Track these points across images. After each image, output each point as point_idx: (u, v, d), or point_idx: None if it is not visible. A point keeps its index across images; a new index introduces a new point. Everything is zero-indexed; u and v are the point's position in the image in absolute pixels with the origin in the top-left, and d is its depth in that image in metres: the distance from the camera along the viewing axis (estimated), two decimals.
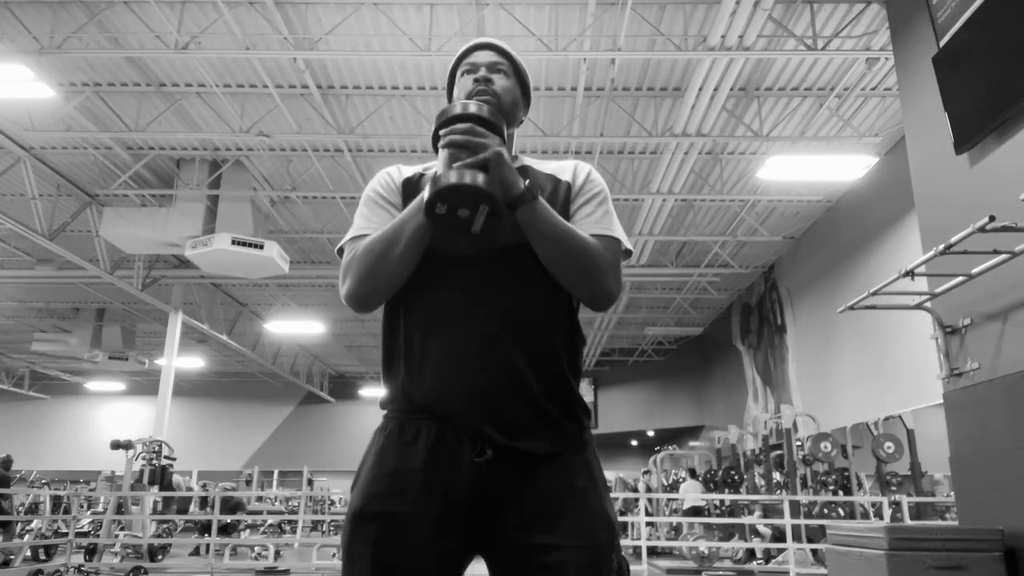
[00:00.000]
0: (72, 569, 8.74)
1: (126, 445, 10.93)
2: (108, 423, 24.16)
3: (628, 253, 1.35)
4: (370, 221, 1.34)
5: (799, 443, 10.50)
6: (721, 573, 9.07)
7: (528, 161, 1.45)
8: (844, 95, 8.51)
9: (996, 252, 3.66)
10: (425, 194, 1.16)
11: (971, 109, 4.05)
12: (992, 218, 3.37)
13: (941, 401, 4.37)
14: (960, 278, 3.99)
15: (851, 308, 4.76)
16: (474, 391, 1.20)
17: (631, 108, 8.85)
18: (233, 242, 9.60)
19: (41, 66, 7.24)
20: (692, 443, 19.78)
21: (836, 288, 11.19)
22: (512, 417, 1.21)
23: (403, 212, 1.26)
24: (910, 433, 9.07)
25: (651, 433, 22.57)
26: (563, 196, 1.37)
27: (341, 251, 1.35)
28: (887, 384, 9.75)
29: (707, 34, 7.02)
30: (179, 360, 16.39)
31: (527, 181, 1.22)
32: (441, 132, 1.22)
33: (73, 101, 8.44)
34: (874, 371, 10.15)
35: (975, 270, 3.85)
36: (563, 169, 1.42)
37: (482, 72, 1.41)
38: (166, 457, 11.16)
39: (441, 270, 1.26)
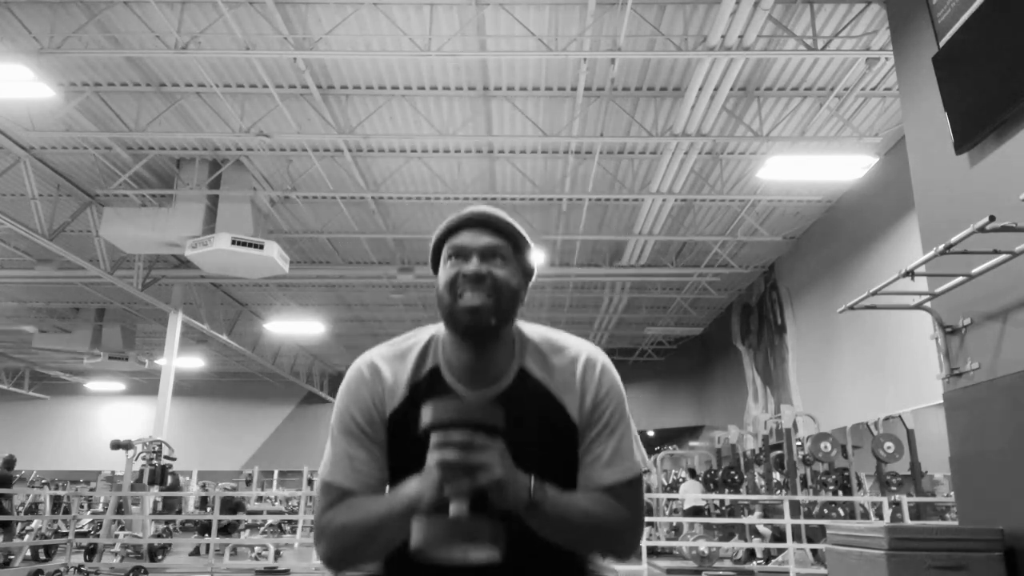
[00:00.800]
0: (72, 569, 8.75)
1: (126, 445, 10.93)
2: (108, 423, 24.16)
3: (647, 472, 1.24)
4: (351, 466, 1.19)
5: (799, 443, 10.50)
6: (721, 573, 9.08)
7: (529, 361, 1.24)
8: (844, 95, 8.51)
9: (996, 252, 3.66)
10: (413, 541, 1.00)
11: (971, 109, 4.05)
12: (992, 218, 3.37)
13: (941, 401, 4.37)
14: (960, 278, 3.99)
15: (851, 308, 4.76)
16: None
17: (631, 108, 8.84)
18: (233, 242, 9.59)
19: (41, 66, 7.24)
20: (692, 443, 19.80)
21: (836, 288, 11.19)
22: None
23: (384, 507, 1.11)
24: (910, 433, 9.07)
25: (651, 433, 22.56)
26: (566, 431, 1.22)
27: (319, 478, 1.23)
28: (887, 384, 9.75)
29: (707, 34, 7.02)
30: (179, 360, 16.38)
31: (531, 484, 1.07)
32: (432, 439, 1.04)
33: (73, 101, 8.44)
34: (874, 371, 10.15)
35: (975, 270, 3.85)
36: (569, 383, 1.22)
37: (473, 264, 1.17)
38: (166, 457, 11.16)
39: None
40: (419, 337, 1.29)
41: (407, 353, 1.26)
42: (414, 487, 1.07)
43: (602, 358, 1.26)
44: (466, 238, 1.21)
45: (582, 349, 1.26)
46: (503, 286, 1.18)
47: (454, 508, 1.03)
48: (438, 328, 1.28)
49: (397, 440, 1.22)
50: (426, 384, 1.23)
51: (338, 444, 1.22)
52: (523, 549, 1.13)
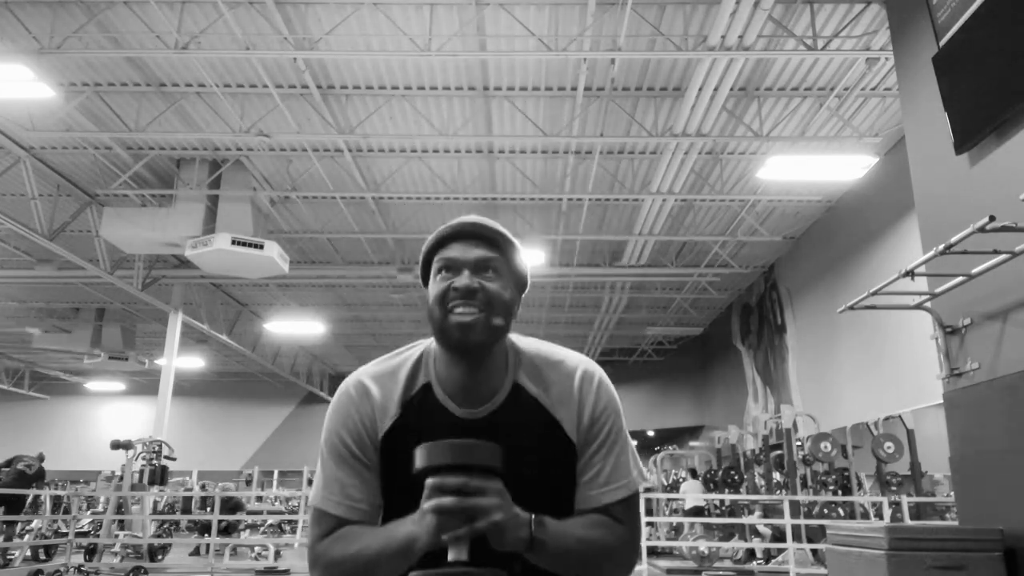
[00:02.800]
0: (72, 569, 8.75)
1: (126, 445, 10.93)
2: (108, 423, 24.17)
3: (644, 484, 1.23)
4: (343, 492, 1.17)
5: (799, 443, 10.50)
6: (721, 573, 9.08)
7: (523, 376, 1.22)
8: (844, 95, 8.51)
9: (996, 252, 3.66)
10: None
11: (971, 109, 4.05)
12: (992, 218, 3.37)
13: (941, 401, 4.37)
14: (960, 278, 3.98)
15: (851, 308, 4.76)
16: None
17: (631, 108, 8.84)
18: (233, 242, 9.60)
19: (41, 66, 7.24)
20: (692, 443, 19.80)
21: (836, 288, 11.19)
22: None
23: (380, 546, 1.09)
24: (910, 433, 9.07)
25: (651, 433, 22.57)
26: (563, 449, 1.20)
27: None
28: (887, 384, 9.75)
29: (707, 34, 7.02)
30: (179, 360, 16.39)
31: (531, 523, 1.05)
32: (427, 482, 1.00)
33: (73, 101, 8.44)
34: (874, 371, 10.15)
35: (975, 270, 3.85)
36: (564, 399, 1.20)
37: (464, 278, 1.13)
38: (166, 457, 11.16)
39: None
40: (410, 353, 1.26)
41: (397, 370, 1.23)
42: (409, 529, 1.05)
43: (599, 372, 1.24)
44: (456, 250, 1.16)
45: (579, 363, 1.24)
46: (495, 300, 1.14)
47: (452, 554, 1.00)
48: (429, 342, 1.25)
49: (390, 462, 1.18)
50: (418, 401, 1.20)
51: (328, 469, 1.19)
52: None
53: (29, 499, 9.83)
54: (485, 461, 1.00)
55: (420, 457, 1.00)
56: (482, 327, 1.12)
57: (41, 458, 10.78)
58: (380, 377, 1.23)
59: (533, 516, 1.07)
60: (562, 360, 1.24)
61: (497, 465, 1.01)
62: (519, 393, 1.20)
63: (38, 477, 10.51)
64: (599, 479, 1.19)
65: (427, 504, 1.00)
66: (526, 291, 1.26)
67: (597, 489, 1.19)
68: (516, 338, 1.26)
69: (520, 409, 1.19)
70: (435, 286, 1.16)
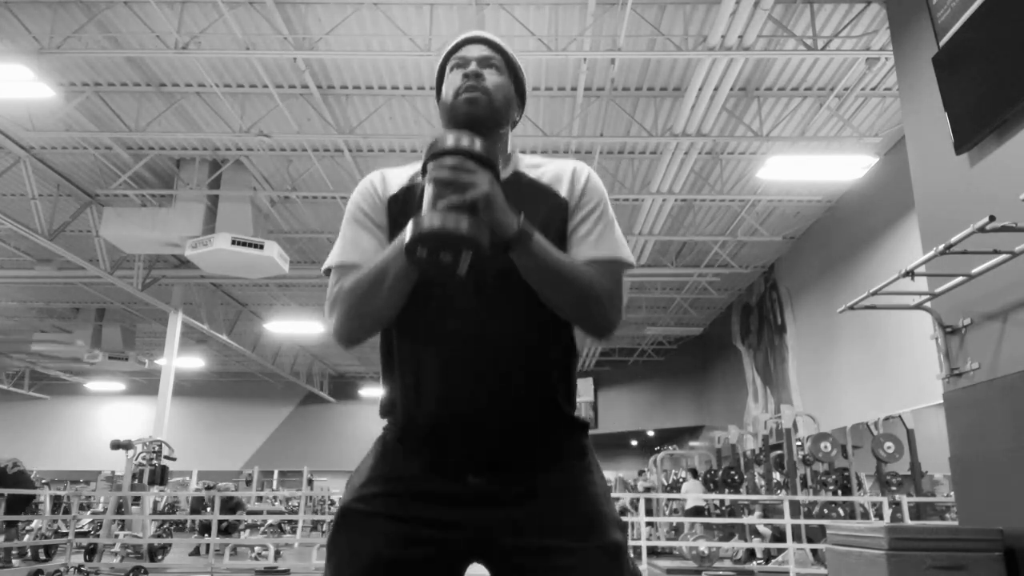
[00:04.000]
0: (72, 569, 8.74)
1: (126, 445, 10.93)
2: (108, 423, 24.17)
3: (630, 266, 1.30)
4: (356, 246, 1.28)
5: (799, 443, 10.50)
6: (721, 573, 9.07)
7: (523, 166, 1.35)
8: (844, 95, 8.51)
9: (996, 252, 3.66)
10: (406, 236, 1.07)
11: (971, 109, 4.05)
12: (992, 218, 3.37)
13: (941, 401, 4.37)
14: (960, 278, 3.98)
15: (851, 308, 4.76)
16: (470, 418, 1.19)
17: (631, 108, 8.84)
18: (233, 242, 9.59)
19: (41, 66, 7.24)
20: (692, 443, 19.79)
21: (836, 288, 11.20)
22: (508, 440, 1.21)
23: (387, 250, 1.18)
24: (910, 433, 9.07)
25: (651, 433, 22.57)
26: (559, 213, 1.29)
27: (328, 270, 1.30)
28: (887, 384, 9.75)
29: (707, 34, 7.02)
30: (179, 360, 16.39)
31: (520, 217, 1.13)
32: (428, 166, 1.11)
33: (73, 101, 8.44)
34: (874, 371, 10.15)
35: (975, 270, 3.85)
36: (560, 177, 1.33)
37: (472, 67, 1.31)
38: (166, 457, 11.16)
39: (432, 295, 1.21)
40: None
41: (411, 168, 1.38)
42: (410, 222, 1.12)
43: (589, 168, 1.37)
44: (465, 51, 1.35)
45: (571, 161, 1.37)
46: (497, 87, 1.31)
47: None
48: None
49: (397, 222, 1.27)
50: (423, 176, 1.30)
51: (346, 232, 1.31)
52: (506, 305, 1.21)
53: None
54: (481, 151, 1.11)
55: (427, 149, 1.13)
56: (485, 103, 1.28)
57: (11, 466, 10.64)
58: (395, 170, 1.39)
59: (523, 214, 1.14)
60: (555, 160, 1.39)
61: (493, 159, 1.12)
62: (519, 177, 1.33)
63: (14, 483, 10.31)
64: (590, 238, 1.28)
65: (426, 177, 1.11)
66: (525, 101, 1.43)
67: (586, 246, 1.27)
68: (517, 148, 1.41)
69: (520, 190, 1.29)
70: (447, 81, 1.35)
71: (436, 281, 1.19)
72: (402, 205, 1.30)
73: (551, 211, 1.29)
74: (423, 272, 1.13)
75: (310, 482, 21.20)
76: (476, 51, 1.35)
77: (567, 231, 1.29)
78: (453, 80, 1.32)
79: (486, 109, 1.28)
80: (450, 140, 1.11)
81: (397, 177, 1.36)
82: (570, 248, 1.27)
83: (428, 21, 7.24)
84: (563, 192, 1.31)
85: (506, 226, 1.10)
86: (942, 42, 4.31)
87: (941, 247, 3.76)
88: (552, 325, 1.25)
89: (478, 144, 1.11)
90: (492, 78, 1.31)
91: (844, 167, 8.96)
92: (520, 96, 1.41)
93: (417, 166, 1.33)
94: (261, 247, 9.82)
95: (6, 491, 9.25)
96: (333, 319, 1.23)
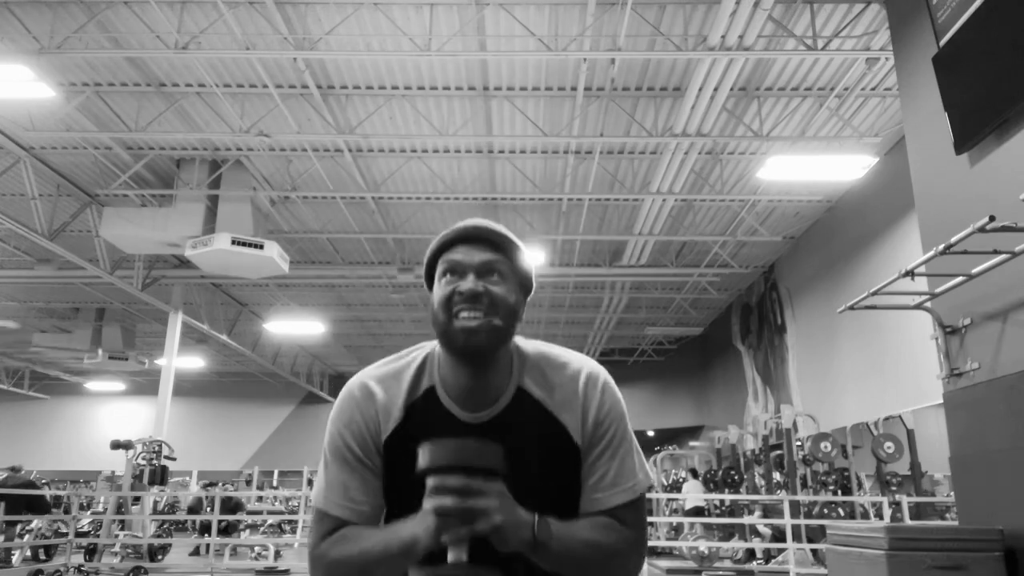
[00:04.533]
0: (72, 569, 8.74)
1: (126, 445, 10.93)
2: (108, 423, 24.17)
3: (649, 489, 1.24)
4: (345, 495, 1.17)
5: (799, 443, 10.49)
6: (721, 573, 9.07)
7: (528, 380, 1.21)
8: (844, 95, 8.51)
9: (996, 252, 3.66)
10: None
11: (971, 109, 4.05)
12: (992, 218, 3.37)
13: (941, 401, 4.37)
14: (960, 278, 3.98)
15: (851, 308, 4.76)
16: None
17: (631, 108, 8.84)
18: (233, 242, 9.59)
19: (41, 66, 7.24)
20: (692, 443, 19.79)
21: (836, 288, 11.19)
22: None
23: (380, 550, 1.09)
24: (910, 433, 9.07)
25: (651, 433, 22.56)
26: (568, 452, 1.19)
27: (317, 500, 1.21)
28: (887, 384, 9.75)
29: (707, 34, 7.02)
30: (179, 360, 16.39)
31: (535, 523, 1.05)
32: (428, 483, 1.00)
33: (73, 101, 8.44)
34: (874, 371, 10.15)
35: (975, 270, 3.85)
36: (569, 402, 1.19)
37: (469, 283, 1.12)
38: (166, 457, 11.17)
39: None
40: (414, 355, 1.25)
41: (402, 372, 1.23)
42: (410, 530, 1.05)
43: (603, 374, 1.23)
44: (461, 254, 1.16)
45: (583, 365, 1.23)
46: (500, 304, 1.13)
47: (452, 555, 1.00)
48: (433, 345, 1.24)
49: (393, 464, 1.18)
50: (421, 405, 1.20)
51: (331, 471, 1.19)
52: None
53: None
54: (487, 462, 1.00)
55: (423, 457, 1.00)
56: (487, 332, 1.11)
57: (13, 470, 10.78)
58: (384, 380, 1.22)
59: (536, 517, 1.06)
60: (566, 363, 1.23)
61: (499, 466, 1.01)
62: (523, 397, 1.20)
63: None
64: (604, 482, 1.18)
65: (428, 505, 1.00)
66: (532, 294, 1.25)
67: (602, 492, 1.18)
68: (520, 340, 1.25)
69: (524, 413, 1.19)
70: (440, 290, 1.15)
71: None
72: (400, 453, 1.16)
73: (557, 447, 1.18)
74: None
75: (310, 482, 21.15)
76: (475, 255, 1.15)
77: (580, 474, 1.20)
78: (445, 291, 1.14)
79: (488, 338, 1.12)
80: (450, 453, 1.00)
81: (387, 392, 1.21)
82: (584, 493, 1.19)
83: (428, 21, 7.24)
84: (574, 429, 1.19)
85: (521, 544, 1.04)
86: (942, 42, 4.31)
87: (941, 247, 3.76)
88: None
89: (485, 455, 1.01)
90: (495, 288, 1.14)
91: (844, 167, 8.96)
92: (527, 292, 1.24)
93: (408, 365, 1.23)
94: (261, 247, 9.82)
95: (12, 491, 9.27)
96: None
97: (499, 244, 1.18)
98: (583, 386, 1.20)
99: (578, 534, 1.12)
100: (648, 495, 11.80)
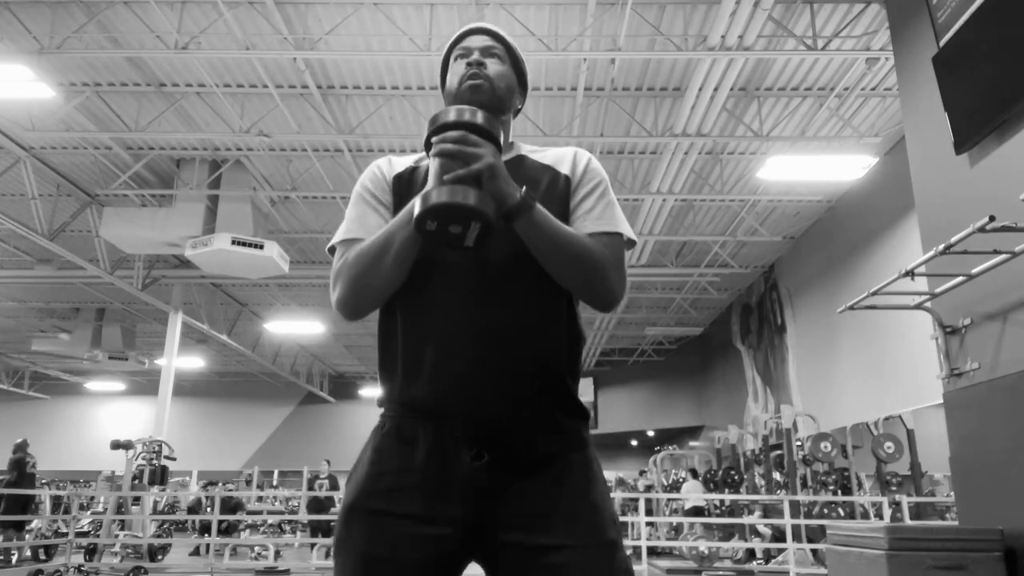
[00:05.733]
0: (72, 569, 8.74)
1: (126, 445, 10.92)
2: (108, 423, 24.16)
3: (632, 244, 1.32)
4: (361, 223, 1.31)
5: (799, 443, 10.50)
6: (721, 573, 9.07)
7: (524, 150, 1.40)
8: (844, 95, 8.51)
9: (996, 252, 3.66)
10: (415, 208, 1.11)
11: (971, 109, 4.04)
12: (992, 218, 3.37)
13: (941, 401, 4.37)
14: (960, 278, 3.98)
15: (851, 308, 4.76)
16: (471, 394, 1.18)
17: (631, 108, 8.84)
18: (233, 242, 9.59)
19: (41, 66, 7.24)
20: (692, 443, 19.79)
21: (836, 288, 11.19)
22: (510, 420, 1.19)
23: (393, 221, 1.21)
24: (910, 433, 9.07)
25: (651, 433, 22.57)
26: (561, 189, 1.32)
27: (332, 249, 1.33)
28: (887, 384, 9.75)
29: (707, 34, 7.02)
30: (179, 360, 16.39)
31: (523, 189, 1.15)
32: (432, 140, 1.15)
33: (73, 101, 8.44)
34: (874, 371, 10.15)
35: (975, 270, 3.85)
36: (561, 159, 1.37)
37: (475, 56, 1.35)
38: (166, 457, 11.16)
39: (437, 271, 1.22)
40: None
41: (417, 155, 1.43)
42: (418, 197, 1.14)
43: (590, 154, 1.40)
44: (468, 41, 1.39)
45: (572, 147, 1.41)
46: (499, 75, 1.36)
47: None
48: None
49: (403, 199, 1.30)
50: (427, 161, 1.31)
51: (351, 213, 1.35)
52: (510, 283, 1.22)
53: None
54: (484, 123, 1.14)
55: (430, 123, 1.16)
56: (488, 90, 1.33)
57: (18, 448, 10.60)
58: (402, 157, 1.43)
59: (525, 186, 1.17)
60: (558, 147, 1.43)
61: (495, 131, 1.15)
62: (521, 158, 1.38)
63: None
64: (592, 213, 1.30)
65: (432, 151, 1.14)
66: (527, 90, 1.46)
67: (590, 221, 1.29)
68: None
69: (524, 167, 1.35)
70: (452, 71, 1.38)
71: (445, 251, 1.19)
72: (407, 184, 1.34)
73: (553, 185, 1.33)
74: (431, 243, 1.15)
75: (310, 483, 21.12)
76: (479, 41, 1.39)
77: (569, 207, 1.32)
78: (457, 69, 1.36)
79: (489, 95, 1.32)
80: (452, 114, 1.15)
81: (403, 160, 1.41)
82: (572, 223, 1.29)
83: (428, 21, 7.25)
84: (565, 170, 1.35)
85: (508, 196, 1.13)
86: (942, 42, 4.31)
87: (941, 247, 3.76)
88: (556, 305, 1.26)
89: (480, 117, 1.15)
90: (494, 67, 1.36)
91: (844, 167, 8.96)
92: (522, 86, 1.45)
93: (423, 154, 1.36)
94: (261, 247, 9.82)
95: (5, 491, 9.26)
96: (337, 291, 1.26)
97: (498, 36, 1.40)
98: (573, 153, 1.39)
99: (563, 225, 1.22)
100: (648, 495, 11.86)
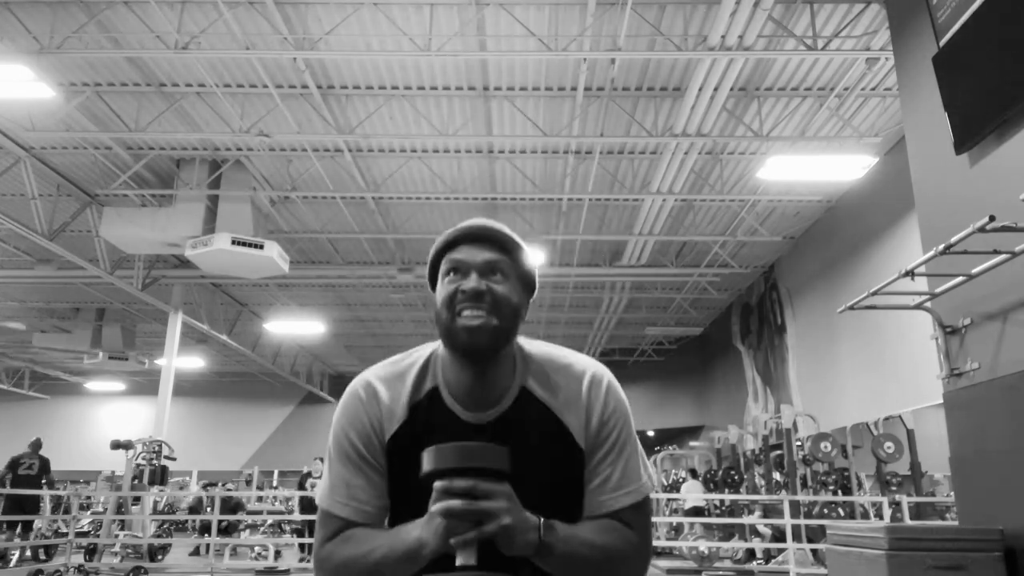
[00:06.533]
0: (72, 569, 8.74)
1: (126, 445, 10.93)
2: (108, 423, 24.16)
3: (652, 491, 1.22)
4: (350, 494, 1.17)
5: (799, 443, 10.49)
6: (721, 573, 9.07)
7: (531, 379, 1.21)
8: (844, 95, 8.51)
9: (996, 252, 3.66)
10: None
11: (971, 109, 4.04)
12: (992, 218, 3.37)
13: (941, 401, 4.37)
14: (960, 278, 3.98)
15: (851, 308, 4.76)
16: None
17: (631, 108, 8.84)
18: (233, 242, 9.59)
19: (41, 66, 7.24)
20: (692, 443, 19.79)
21: (836, 288, 11.19)
22: None
23: (385, 552, 1.09)
24: (910, 433, 9.07)
25: (651, 433, 22.56)
26: (574, 460, 1.19)
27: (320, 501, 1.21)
28: (887, 384, 9.75)
29: (707, 34, 7.02)
30: (179, 360, 16.38)
31: (540, 528, 1.05)
32: (436, 485, 1.00)
33: (73, 101, 8.44)
34: (874, 371, 10.15)
35: (975, 270, 3.85)
36: (573, 403, 1.19)
37: (472, 282, 1.12)
38: (166, 457, 11.16)
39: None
40: (418, 355, 1.25)
41: (406, 373, 1.22)
42: (417, 533, 1.05)
43: (607, 376, 1.23)
44: (464, 253, 1.16)
45: (587, 366, 1.23)
46: (503, 303, 1.13)
47: (460, 558, 0.99)
48: (437, 345, 1.24)
49: (397, 464, 1.19)
50: (425, 405, 1.20)
51: (335, 471, 1.19)
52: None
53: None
54: (493, 464, 1.00)
55: (428, 460, 1.00)
56: (490, 331, 1.11)
57: (36, 446, 10.68)
58: (388, 379, 1.22)
59: (542, 520, 1.06)
60: (570, 364, 1.23)
61: (505, 468, 1.01)
62: (527, 397, 1.19)
63: (44, 471, 10.48)
64: (608, 484, 1.18)
65: (435, 507, 1.00)
66: (535, 294, 1.25)
67: (607, 495, 1.18)
68: (524, 341, 1.25)
69: (528, 413, 1.19)
70: (443, 289, 1.15)
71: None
72: (404, 453, 1.17)
73: (563, 454, 1.18)
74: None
75: (301, 484, 21.10)
76: (478, 255, 1.15)
77: (583, 477, 1.20)
78: (449, 290, 1.14)
79: (490, 337, 1.12)
80: (455, 458, 1.00)
81: (391, 392, 1.21)
82: (588, 495, 1.19)
83: (428, 21, 7.24)
84: (577, 431, 1.18)
85: (527, 547, 1.03)
86: (942, 42, 4.31)
87: (941, 247, 3.76)
88: None
89: (491, 457, 1.01)
90: (498, 288, 1.14)
91: (844, 167, 8.96)
92: (529, 292, 1.24)
93: (412, 365, 1.23)
94: (261, 247, 9.82)
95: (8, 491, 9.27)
96: None
97: (502, 244, 1.18)
98: (587, 387, 1.20)
99: (583, 537, 1.12)
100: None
